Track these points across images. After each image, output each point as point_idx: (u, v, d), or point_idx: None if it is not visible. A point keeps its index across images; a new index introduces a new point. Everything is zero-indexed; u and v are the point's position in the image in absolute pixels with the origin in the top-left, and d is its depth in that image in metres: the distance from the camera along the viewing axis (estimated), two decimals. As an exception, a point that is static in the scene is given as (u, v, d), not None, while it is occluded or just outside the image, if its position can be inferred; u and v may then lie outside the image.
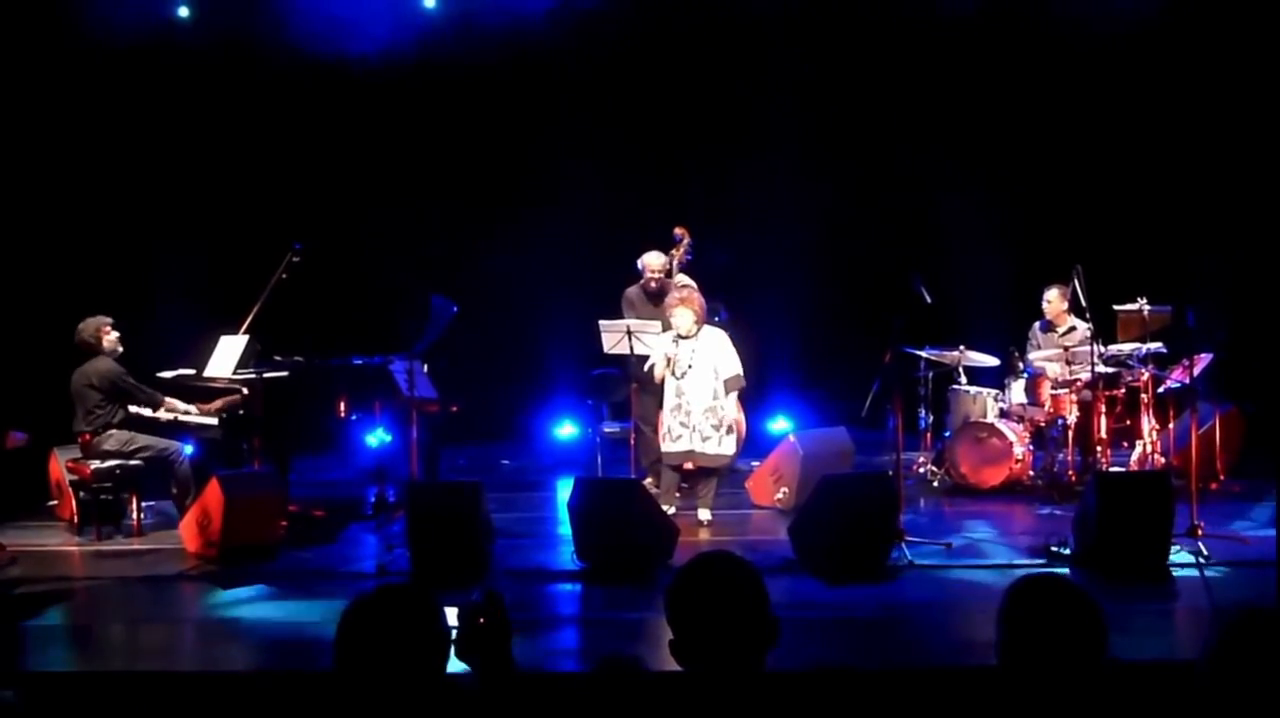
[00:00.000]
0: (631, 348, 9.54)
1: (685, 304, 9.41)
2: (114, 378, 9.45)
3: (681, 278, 10.46)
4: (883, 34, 12.85)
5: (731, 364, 9.47)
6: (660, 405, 9.71)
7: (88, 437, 9.42)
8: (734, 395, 9.52)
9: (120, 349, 9.64)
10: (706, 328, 9.57)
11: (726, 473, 9.93)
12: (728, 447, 9.49)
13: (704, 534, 9.30)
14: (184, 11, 12.57)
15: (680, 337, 9.43)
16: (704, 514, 9.56)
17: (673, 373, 9.39)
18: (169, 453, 9.52)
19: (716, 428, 9.38)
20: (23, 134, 11.76)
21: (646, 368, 9.59)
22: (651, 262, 10.47)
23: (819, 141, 13.16)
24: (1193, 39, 12.09)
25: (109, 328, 9.62)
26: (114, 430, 9.45)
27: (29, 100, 11.69)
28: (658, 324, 9.69)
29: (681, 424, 9.38)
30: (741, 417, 10.78)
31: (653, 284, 10.43)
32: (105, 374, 9.44)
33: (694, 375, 9.38)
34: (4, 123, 11.49)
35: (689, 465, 9.63)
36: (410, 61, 12.39)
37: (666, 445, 9.48)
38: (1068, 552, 8.10)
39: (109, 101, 12.06)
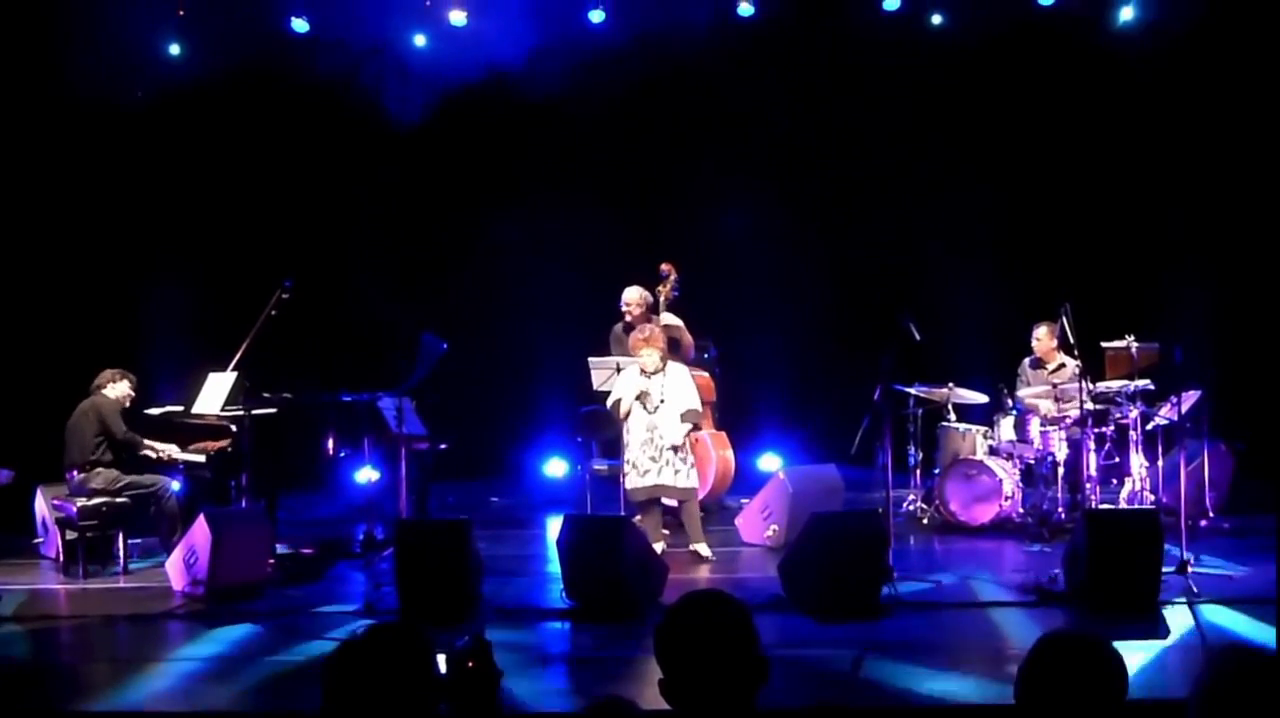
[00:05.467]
0: (621, 385, 9.56)
1: (650, 344, 9.43)
2: (107, 413, 9.45)
3: (668, 316, 10.46)
4: (872, 71, 12.93)
5: (691, 398, 9.53)
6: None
7: (76, 471, 9.39)
8: (688, 427, 9.52)
9: (125, 402, 9.67)
10: (671, 364, 9.59)
11: (718, 506, 9.91)
12: (694, 479, 9.51)
13: (706, 571, 9.29)
14: (175, 49, 12.61)
15: (646, 372, 9.43)
16: (703, 549, 9.56)
17: (645, 408, 9.40)
18: (156, 489, 9.50)
19: (685, 461, 9.41)
20: (11, 173, 11.78)
21: (610, 403, 9.57)
22: (626, 296, 10.46)
23: (807, 178, 13.23)
24: (1182, 77, 12.19)
25: (130, 397, 9.71)
26: (102, 469, 9.44)
27: (19, 139, 11.71)
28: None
29: (651, 459, 9.38)
30: (730, 454, 10.80)
31: (627, 318, 10.41)
32: (102, 408, 9.48)
33: (666, 410, 9.41)
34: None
35: (668, 500, 9.61)
36: (397, 100, 12.41)
37: (633, 481, 9.44)
38: (1058, 589, 8.09)
39: (98, 139, 12.07)
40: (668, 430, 9.39)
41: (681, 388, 9.52)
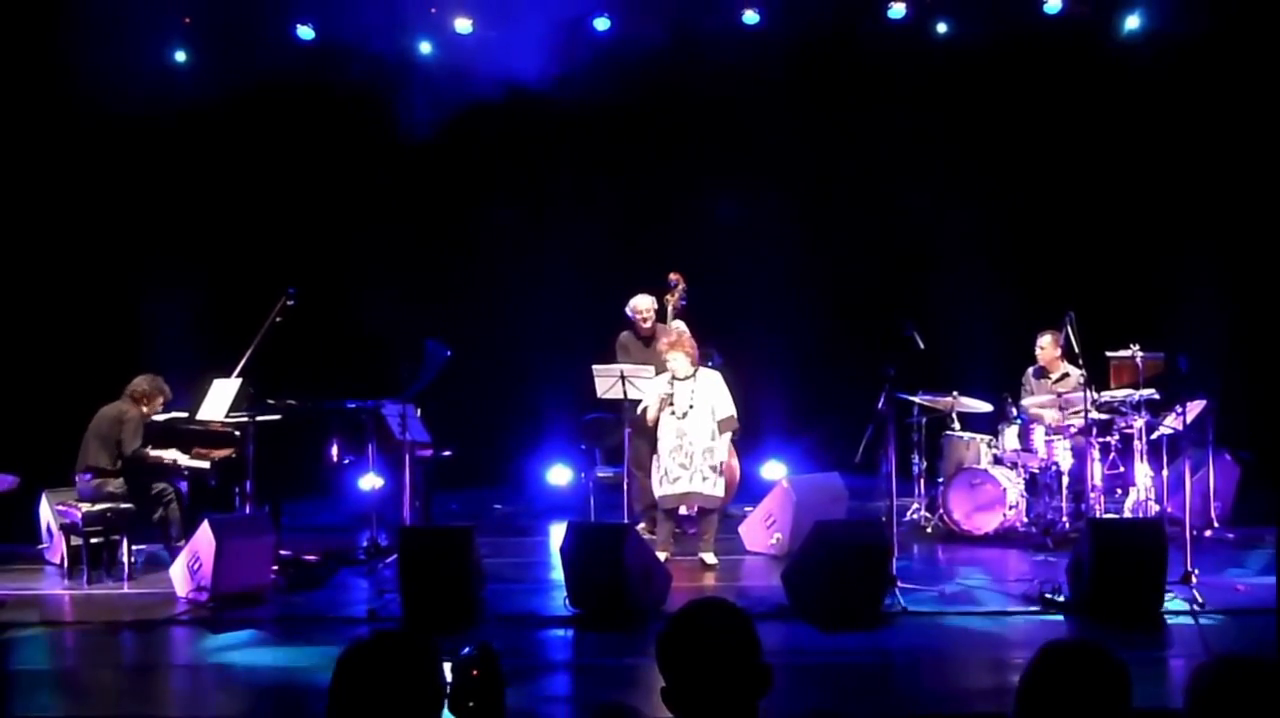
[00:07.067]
0: (625, 392, 9.55)
1: (677, 348, 9.47)
2: (129, 425, 9.46)
3: (677, 323, 10.48)
4: (878, 79, 12.94)
5: (727, 405, 9.52)
6: (654, 450, 9.71)
7: (91, 475, 9.39)
8: (727, 436, 9.53)
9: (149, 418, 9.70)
10: (703, 370, 9.61)
11: (721, 514, 9.91)
12: (721, 488, 9.51)
13: (709, 578, 9.29)
14: (181, 56, 12.63)
15: (677, 379, 9.46)
16: (710, 558, 9.57)
17: (673, 414, 9.41)
18: (163, 494, 9.50)
19: (714, 468, 9.40)
20: (18, 181, 11.81)
21: (640, 410, 9.59)
22: (640, 303, 10.51)
23: (812, 186, 13.22)
24: (1187, 86, 12.18)
25: (161, 402, 9.74)
26: (119, 479, 9.43)
27: (26, 147, 11.74)
28: (651, 368, 9.70)
29: (681, 466, 9.37)
30: (736, 462, 10.79)
31: (644, 324, 10.46)
32: (127, 421, 9.47)
33: (695, 416, 9.41)
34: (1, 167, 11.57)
35: (683, 509, 9.63)
36: (403, 108, 12.42)
37: (664, 488, 9.45)
38: (1062, 599, 8.08)
39: (103, 146, 12.09)
40: (697, 437, 9.39)
41: (714, 394, 9.52)
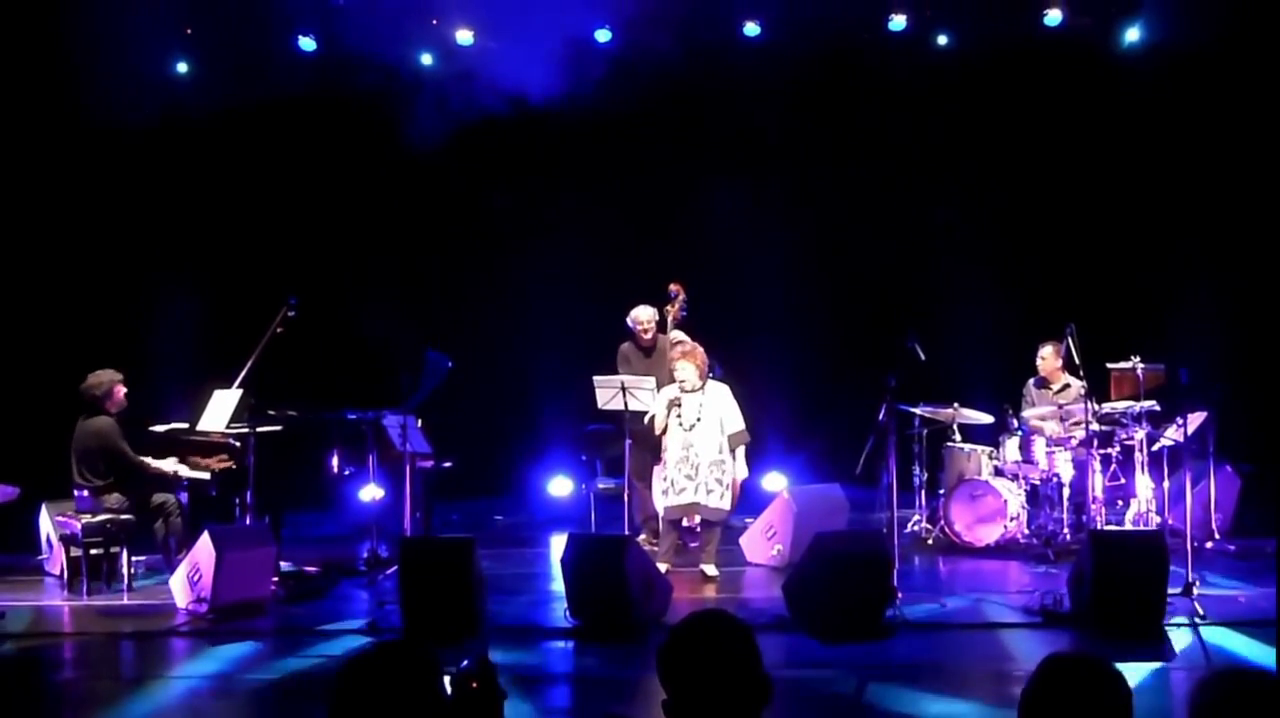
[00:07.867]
0: (626, 403, 9.54)
1: (687, 358, 9.46)
2: (110, 438, 9.41)
3: (677, 334, 10.47)
4: (878, 91, 12.95)
5: (736, 419, 9.51)
6: (655, 461, 9.69)
7: (87, 492, 9.37)
8: (741, 452, 9.53)
9: (124, 405, 9.63)
10: (711, 382, 9.61)
11: (724, 526, 9.91)
12: (726, 501, 9.50)
13: (710, 590, 9.27)
14: (182, 67, 12.65)
15: (685, 390, 9.45)
16: (711, 569, 9.56)
17: (680, 425, 9.40)
18: (164, 506, 9.48)
19: (720, 482, 9.39)
20: (22, 189, 11.82)
21: (647, 420, 9.59)
22: (641, 314, 10.51)
23: (813, 197, 13.22)
24: (1187, 98, 12.19)
25: (121, 385, 9.62)
26: (116, 493, 9.40)
27: (28, 158, 11.75)
28: (652, 379, 9.70)
29: (687, 477, 9.36)
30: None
31: (645, 336, 10.47)
32: (105, 434, 9.40)
33: (702, 428, 9.40)
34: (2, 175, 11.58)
35: (686, 521, 9.61)
36: (404, 117, 12.43)
37: (670, 499, 9.43)
38: (1063, 611, 8.07)
39: (105, 156, 12.10)
40: (704, 449, 9.39)
41: (722, 407, 9.51)
